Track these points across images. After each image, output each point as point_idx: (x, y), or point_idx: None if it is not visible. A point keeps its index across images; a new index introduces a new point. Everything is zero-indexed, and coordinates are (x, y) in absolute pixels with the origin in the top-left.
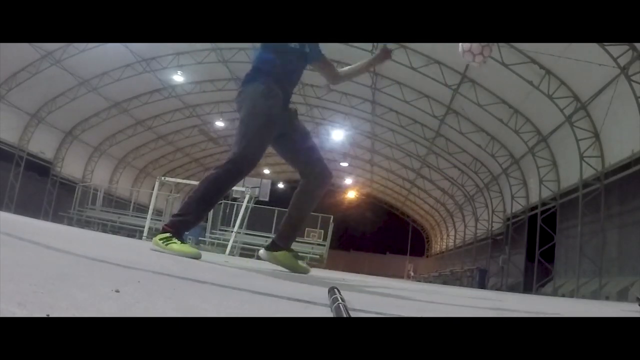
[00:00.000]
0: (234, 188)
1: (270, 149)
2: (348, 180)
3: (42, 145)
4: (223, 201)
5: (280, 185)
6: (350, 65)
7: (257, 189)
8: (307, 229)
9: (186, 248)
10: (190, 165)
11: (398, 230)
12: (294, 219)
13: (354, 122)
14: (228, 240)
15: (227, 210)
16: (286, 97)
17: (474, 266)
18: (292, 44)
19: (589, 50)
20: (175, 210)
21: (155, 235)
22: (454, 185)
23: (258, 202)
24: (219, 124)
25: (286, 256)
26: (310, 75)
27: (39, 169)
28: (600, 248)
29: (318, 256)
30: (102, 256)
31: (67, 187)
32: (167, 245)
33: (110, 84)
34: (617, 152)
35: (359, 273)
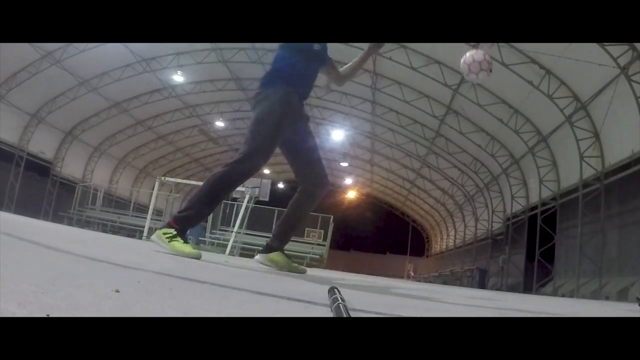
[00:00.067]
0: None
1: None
2: (348, 180)
3: (42, 145)
4: (223, 201)
5: (280, 185)
6: (347, 64)
7: (257, 189)
8: (307, 229)
9: (187, 248)
10: (190, 165)
11: (398, 230)
12: (289, 222)
13: (354, 122)
14: (228, 240)
15: (227, 210)
16: (302, 103)
17: (474, 266)
18: (315, 46)
19: (589, 50)
20: (180, 207)
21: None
22: (454, 185)
23: (258, 202)
24: (219, 124)
25: (280, 256)
26: None
27: (39, 169)
28: (600, 248)
29: (318, 256)
30: (102, 256)
31: (67, 187)
32: (169, 241)
33: (110, 84)
34: (617, 152)
35: (359, 273)
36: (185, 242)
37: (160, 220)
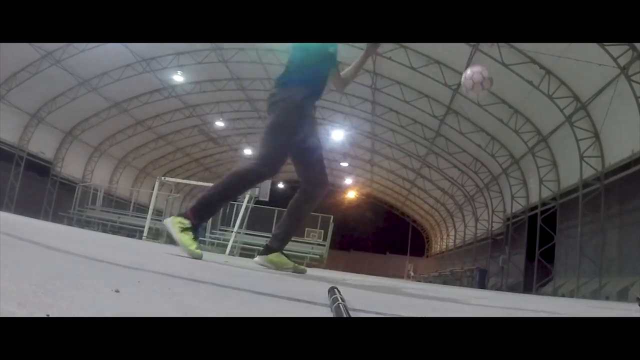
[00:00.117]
0: None
1: None
2: (348, 180)
3: (42, 145)
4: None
5: (280, 185)
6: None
7: (257, 189)
8: (307, 229)
9: (193, 246)
10: (190, 165)
11: (398, 230)
12: (289, 222)
13: (354, 122)
14: (228, 240)
15: (227, 210)
16: (315, 105)
17: (474, 266)
18: (330, 49)
19: (589, 50)
20: (196, 200)
21: (156, 233)
22: (454, 185)
23: (258, 202)
24: (219, 124)
25: (280, 257)
26: None
27: (39, 169)
28: (600, 248)
29: (318, 256)
30: (102, 256)
31: (67, 187)
32: (180, 232)
33: (110, 84)
34: (617, 152)
35: (359, 273)
36: (195, 238)
37: (160, 220)
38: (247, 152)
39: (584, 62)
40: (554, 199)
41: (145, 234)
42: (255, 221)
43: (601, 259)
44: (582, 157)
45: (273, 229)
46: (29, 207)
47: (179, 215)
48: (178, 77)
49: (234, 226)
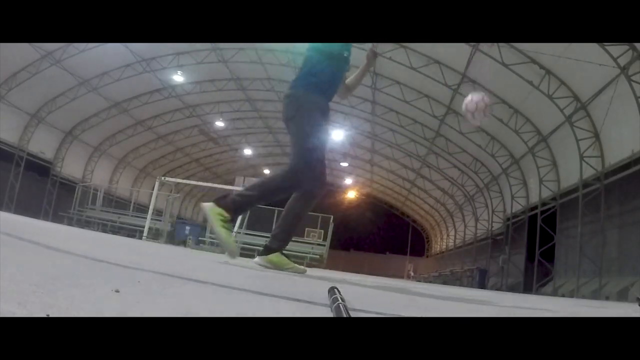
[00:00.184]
0: (234, 188)
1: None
2: (348, 180)
3: (42, 145)
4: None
5: None
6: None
7: None
8: (307, 229)
9: (231, 240)
10: (190, 165)
11: (398, 230)
12: (288, 222)
13: (354, 122)
14: None
15: None
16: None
17: (474, 266)
18: (345, 53)
19: (589, 50)
20: (237, 194)
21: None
22: (454, 185)
23: None
24: (219, 124)
25: (280, 257)
26: None
27: (39, 169)
28: (600, 248)
29: (318, 256)
30: (102, 256)
31: (67, 187)
32: (220, 225)
33: (110, 84)
34: (617, 152)
35: (359, 273)
36: (231, 231)
37: (159, 220)
38: (247, 152)
39: (584, 62)
40: (554, 199)
41: (145, 234)
42: (255, 221)
43: (601, 259)
44: (582, 157)
45: (273, 229)
46: (29, 207)
47: (219, 204)
48: (178, 77)
49: (234, 226)
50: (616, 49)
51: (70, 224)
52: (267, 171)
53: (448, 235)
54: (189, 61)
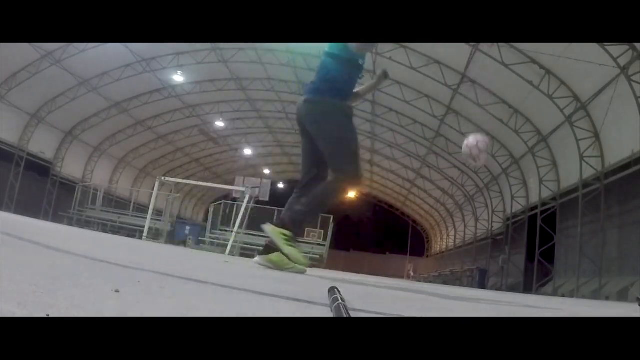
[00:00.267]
0: (234, 188)
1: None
2: None
3: (42, 145)
4: (223, 201)
5: (280, 186)
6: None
7: (257, 189)
8: (307, 228)
9: (300, 257)
10: (190, 165)
11: (398, 230)
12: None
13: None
14: (228, 240)
15: (227, 210)
16: None
17: (474, 266)
18: (360, 60)
19: (589, 50)
20: (294, 212)
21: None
22: (454, 185)
23: (258, 202)
24: (219, 124)
25: (280, 257)
26: (310, 75)
27: (39, 169)
28: (600, 248)
29: (318, 256)
30: (102, 256)
31: (67, 187)
32: (287, 244)
33: (110, 84)
34: (617, 152)
35: (359, 273)
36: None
37: (159, 220)
38: (247, 152)
39: (584, 62)
40: (554, 199)
41: (145, 234)
42: (256, 221)
43: (601, 259)
44: (582, 157)
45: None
46: (29, 207)
47: (279, 225)
48: (178, 77)
49: (233, 226)
50: (616, 49)
51: (70, 224)
52: (266, 171)
53: (448, 235)
54: (189, 61)
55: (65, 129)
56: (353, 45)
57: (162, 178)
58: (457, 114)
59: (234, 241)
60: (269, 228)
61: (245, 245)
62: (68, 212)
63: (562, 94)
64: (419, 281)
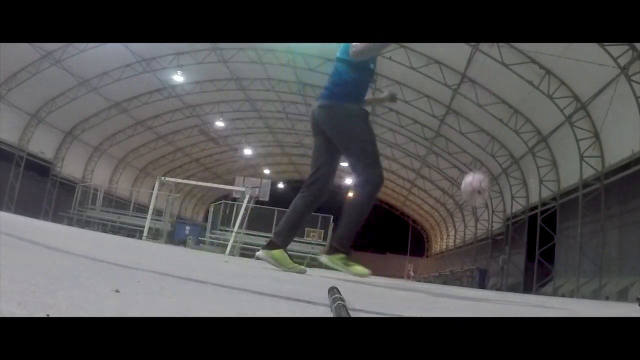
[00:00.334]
0: (234, 188)
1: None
2: (348, 180)
3: (42, 145)
4: (223, 201)
5: (280, 186)
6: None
7: (257, 189)
8: (307, 228)
9: (365, 272)
10: (190, 165)
11: (398, 230)
12: (292, 221)
13: None
14: (228, 240)
15: (227, 211)
16: None
17: (474, 266)
18: (371, 65)
19: (589, 50)
20: (337, 231)
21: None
22: (454, 185)
23: (258, 202)
24: (219, 124)
25: (283, 255)
26: (310, 75)
27: (39, 169)
28: (600, 248)
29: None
30: (102, 256)
31: (67, 187)
32: (349, 266)
33: (110, 84)
34: (617, 152)
35: None
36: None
37: (159, 220)
38: (247, 152)
39: (584, 62)
40: (554, 199)
41: (145, 234)
42: (256, 221)
43: (601, 259)
44: (582, 157)
45: (273, 229)
46: (29, 207)
47: (331, 252)
48: (178, 77)
49: (233, 226)
50: (616, 49)
51: (70, 224)
52: (266, 171)
53: (448, 235)
54: (189, 61)
55: (65, 129)
56: (351, 51)
57: (162, 178)
58: (457, 114)
59: (234, 241)
60: (325, 259)
61: (245, 245)
62: (68, 212)
63: (562, 94)
64: (419, 281)
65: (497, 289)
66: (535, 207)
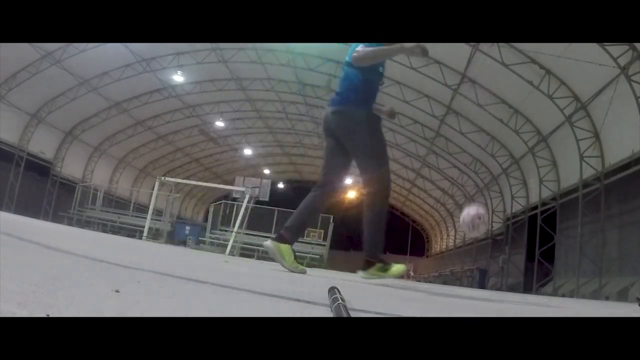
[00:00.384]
0: (234, 188)
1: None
2: (348, 180)
3: (42, 145)
4: (223, 201)
5: (280, 186)
6: None
7: (257, 189)
8: (307, 228)
9: (400, 268)
10: (190, 165)
11: (398, 230)
12: (302, 217)
13: None
14: (228, 240)
15: (227, 211)
16: None
17: (474, 266)
18: (380, 69)
19: (589, 50)
20: (367, 244)
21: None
22: (454, 185)
23: (258, 202)
24: (219, 124)
25: (289, 251)
26: (310, 75)
27: (39, 169)
28: (600, 248)
29: (318, 256)
30: (102, 256)
31: (67, 187)
32: (387, 272)
33: (110, 84)
34: (617, 152)
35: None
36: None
37: (159, 220)
38: (247, 152)
39: (584, 62)
40: (554, 199)
41: (145, 234)
42: (255, 221)
43: (601, 259)
44: (582, 157)
45: (273, 229)
46: (29, 207)
47: (366, 267)
48: (178, 77)
49: (233, 226)
50: (616, 49)
51: (70, 224)
52: (266, 171)
53: (448, 235)
54: (189, 61)
55: (65, 129)
56: (352, 57)
57: (162, 178)
58: (457, 114)
59: (234, 241)
60: (364, 274)
61: (245, 246)
62: (68, 212)
63: (562, 94)
64: (419, 281)
65: (497, 289)
66: (535, 207)
